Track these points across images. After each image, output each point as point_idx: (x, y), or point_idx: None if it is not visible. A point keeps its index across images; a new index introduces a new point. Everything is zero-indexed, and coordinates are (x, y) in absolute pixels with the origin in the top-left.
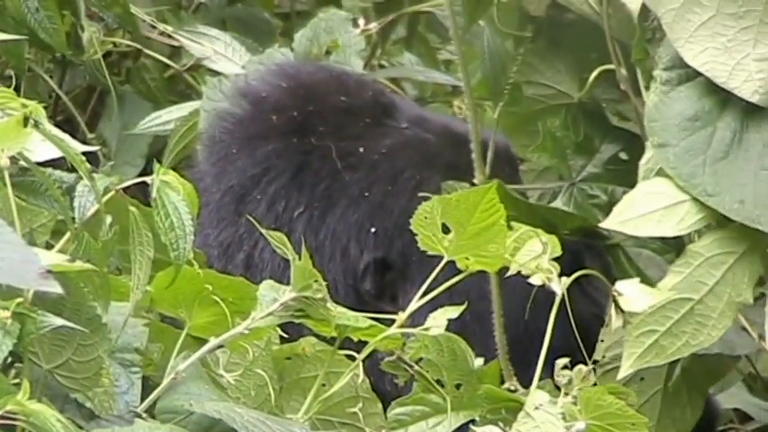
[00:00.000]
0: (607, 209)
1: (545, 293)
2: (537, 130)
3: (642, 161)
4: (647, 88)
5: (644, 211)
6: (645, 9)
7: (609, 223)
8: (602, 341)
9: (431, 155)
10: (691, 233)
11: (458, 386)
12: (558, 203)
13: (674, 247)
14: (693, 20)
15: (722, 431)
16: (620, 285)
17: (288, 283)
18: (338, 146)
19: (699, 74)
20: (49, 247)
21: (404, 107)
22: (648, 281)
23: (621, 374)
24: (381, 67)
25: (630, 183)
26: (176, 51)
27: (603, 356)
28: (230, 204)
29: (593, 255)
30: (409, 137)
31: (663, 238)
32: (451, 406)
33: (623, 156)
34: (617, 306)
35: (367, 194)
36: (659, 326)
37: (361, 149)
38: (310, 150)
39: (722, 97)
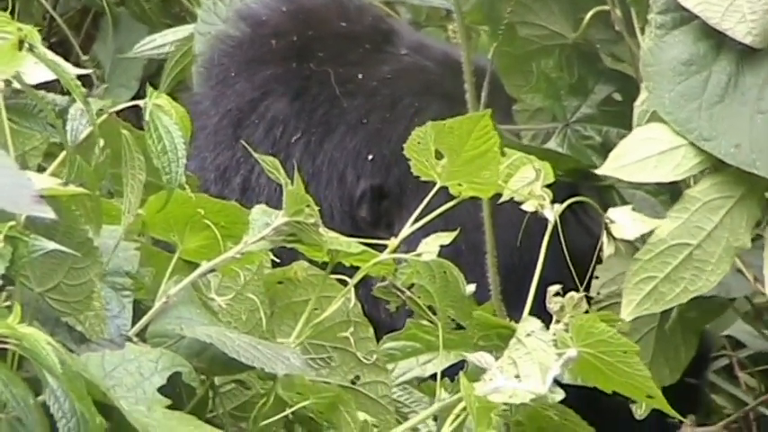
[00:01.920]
0: (601, 150)
1: (540, 225)
2: (531, 71)
3: (637, 103)
4: (642, 29)
5: (640, 156)
6: None
7: (605, 169)
8: (596, 278)
9: (430, 82)
10: (687, 178)
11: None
12: (551, 144)
13: (668, 188)
14: None
15: (715, 357)
16: (613, 213)
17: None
18: (337, 72)
19: (693, 17)
20: (41, 169)
21: (404, 33)
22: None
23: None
24: None
25: (625, 124)
26: None
27: (598, 293)
28: (228, 128)
29: (588, 187)
30: (408, 64)
31: (658, 183)
32: (443, 331)
33: (617, 97)
34: (609, 233)
35: (365, 121)
36: (658, 272)
37: (360, 76)
38: (309, 76)
39: (717, 41)
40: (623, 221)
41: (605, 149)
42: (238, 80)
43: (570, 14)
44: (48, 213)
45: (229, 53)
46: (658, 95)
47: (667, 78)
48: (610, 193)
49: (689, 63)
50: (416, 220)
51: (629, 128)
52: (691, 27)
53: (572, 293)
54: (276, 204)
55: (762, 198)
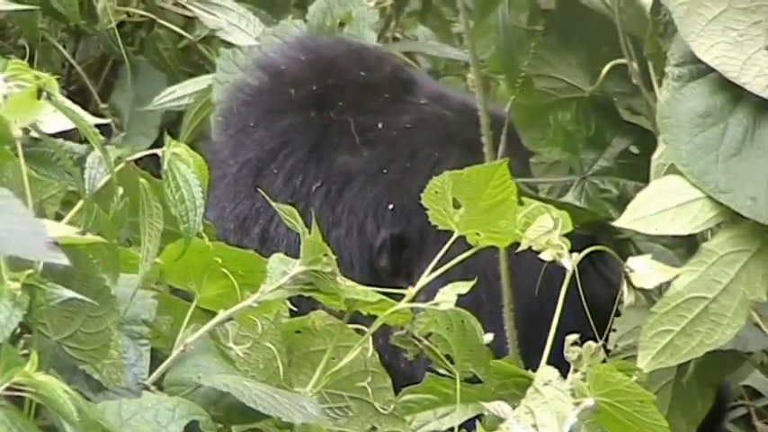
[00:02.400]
0: (618, 203)
1: (561, 275)
2: (548, 124)
3: (654, 156)
4: (659, 83)
5: (657, 208)
6: (657, 3)
7: (622, 221)
8: (614, 330)
9: (450, 132)
10: (704, 231)
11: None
12: (569, 197)
13: (685, 241)
14: (705, 14)
15: (732, 407)
16: (632, 262)
17: None
18: (357, 120)
19: (710, 70)
20: (58, 218)
21: (422, 83)
22: None
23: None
24: (395, 40)
25: (642, 177)
26: (190, 22)
27: (616, 346)
28: (247, 177)
29: (606, 239)
30: (428, 113)
31: (675, 235)
32: (460, 383)
33: (634, 150)
34: (629, 282)
35: (385, 171)
36: (674, 326)
37: (380, 125)
38: (328, 125)
39: (734, 93)
40: (643, 270)
41: (622, 202)
42: (257, 129)
43: (587, 67)
44: (62, 260)
45: (248, 102)
46: (675, 147)
47: (684, 130)
48: (627, 245)
49: (706, 115)
50: (434, 269)
51: (647, 181)
52: (708, 79)
53: (589, 343)
54: (295, 254)
55: None
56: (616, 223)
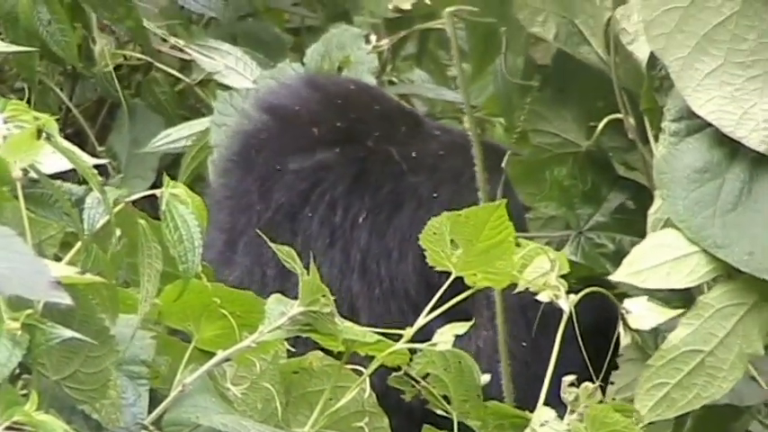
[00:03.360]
0: (615, 258)
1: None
2: (544, 179)
3: (651, 211)
4: (656, 138)
5: (653, 263)
6: (653, 58)
7: (619, 275)
8: (612, 383)
9: (486, 158)
10: (701, 284)
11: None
12: (565, 252)
13: (681, 295)
14: (701, 68)
15: None
16: (629, 303)
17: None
18: (397, 150)
19: (707, 125)
20: (57, 259)
21: (423, 117)
22: (655, 329)
23: None
24: (391, 83)
25: (638, 232)
26: (187, 65)
27: (614, 399)
28: (284, 222)
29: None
30: (449, 142)
31: (671, 289)
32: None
33: (631, 205)
34: (625, 324)
35: (435, 195)
36: (670, 378)
37: (414, 154)
38: (366, 156)
39: (731, 148)
40: (640, 312)
41: (619, 257)
42: (285, 173)
43: (583, 122)
44: (65, 300)
45: (266, 146)
46: (672, 203)
47: (681, 186)
48: (623, 301)
49: (703, 170)
50: (432, 310)
51: (643, 235)
52: (704, 134)
53: (586, 383)
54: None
55: None
56: (612, 277)
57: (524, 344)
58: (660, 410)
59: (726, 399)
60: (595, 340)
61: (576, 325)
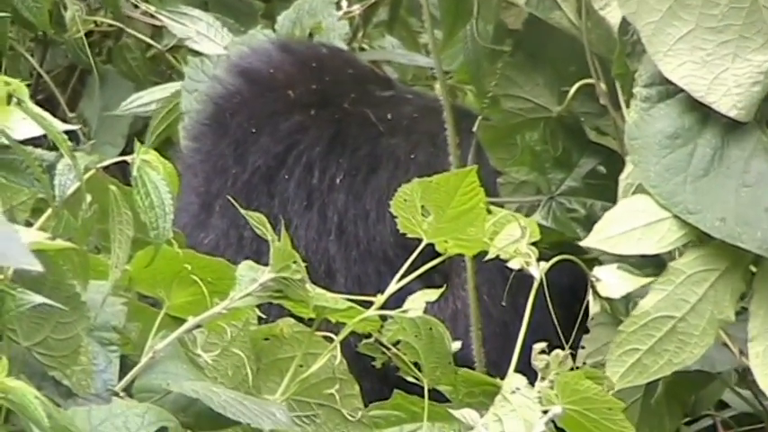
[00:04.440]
0: (586, 223)
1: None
2: (515, 144)
3: (622, 176)
4: (627, 103)
5: (625, 228)
6: (625, 23)
7: (590, 241)
8: (582, 347)
9: (458, 122)
10: (672, 250)
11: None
12: (536, 217)
13: (653, 261)
14: (673, 33)
15: (699, 418)
16: (599, 271)
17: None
18: (373, 112)
19: (678, 91)
20: (28, 225)
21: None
22: (627, 297)
23: None
24: (362, 50)
25: (609, 197)
26: (158, 31)
27: (584, 363)
28: (261, 185)
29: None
30: (422, 105)
31: (642, 255)
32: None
33: (602, 170)
34: (595, 292)
35: (413, 156)
36: (641, 344)
37: (389, 116)
38: (342, 118)
39: (702, 114)
40: (609, 280)
41: (590, 222)
42: (261, 135)
43: (554, 87)
44: (35, 266)
45: (240, 110)
46: (644, 169)
47: (653, 152)
48: (593, 266)
49: (674, 136)
50: (403, 277)
51: (614, 201)
52: (676, 100)
53: (557, 351)
54: (315, 255)
55: (746, 271)
56: (583, 243)
57: (503, 304)
58: (631, 377)
59: (697, 365)
60: (572, 303)
61: (549, 290)
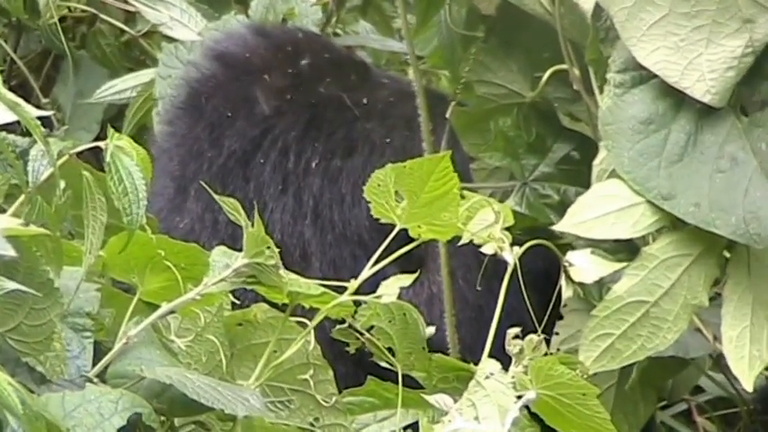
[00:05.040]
0: (559, 208)
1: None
2: (489, 130)
3: (596, 161)
4: (601, 89)
5: (598, 213)
6: (598, 9)
7: (563, 225)
8: (557, 334)
9: (432, 106)
10: (645, 235)
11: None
12: (509, 203)
13: (626, 247)
14: (646, 18)
15: (674, 402)
16: (572, 256)
17: None
18: (348, 96)
19: (652, 76)
20: (1, 211)
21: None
22: (599, 282)
23: None
24: (336, 35)
25: (583, 183)
26: (132, 17)
27: (558, 349)
28: (236, 169)
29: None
30: (398, 89)
31: (616, 240)
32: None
33: (575, 155)
34: (568, 276)
35: (388, 141)
36: (614, 329)
37: (365, 100)
38: (318, 102)
39: (676, 100)
40: (582, 265)
41: (563, 208)
42: (236, 119)
43: (528, 73)
44: (8, 251)
45: (216, 94)
46: (617, 154)
47: (626, 137)
48: (567, 251)
49: (648, 122)
50: (377, 262)
51: (588, 186)
52: (650, 86)
53: (531, 336)
54: (291, 238)
55: (720, 256)
56: (556, 227)
57: (479, 288)
58: (604, 361)
59: (671, 350)
60: (546, 288)
61: (525, 275)
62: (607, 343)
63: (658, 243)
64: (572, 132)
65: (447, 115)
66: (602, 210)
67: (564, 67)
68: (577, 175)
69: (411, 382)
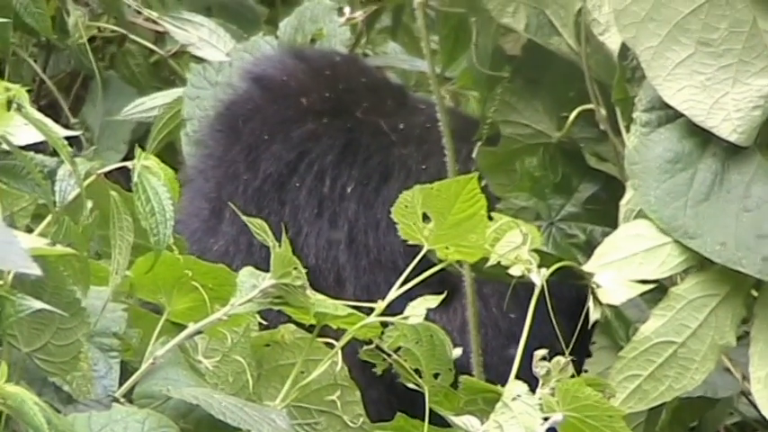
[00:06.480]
0: (586, 248)
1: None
2: (515, 170)
3: (623, 201)
4: (627, 128)
5: (625, 253)
6: (624, 48)
7: (590, 266)
8: (585, 371)
9: (464, 130)
10: (673, 275)
11: (436, 376)
12: None
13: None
14: (672, 58)
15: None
16: (599, 277)
17: None
18: (385, 121)
19: (678, 115)
20: (29, 230)
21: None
22: (627, 320)
23: None
24: (366, 56)
25: (609, 222)
26: (161, 37)
27: (586, 370)
28: (271, 192)
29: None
30: (434, 115)
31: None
32: (429, 396)
33: (602, 195)
34: (595, 298)
35: (424, 167)
36: (642, 370)
37: (401, 126)
38: (354, 127)
39: (702, 139)
40: (610, 286)
41: (590, 248)
42: (273, 142)
43: (554, 113)
44: (35, 270)
45: (253, 117)
46: (644, 193)
47: (653, 176)
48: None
49: (675, 161)
50: (404, 284)
51: (614, 226)
52: (676, 125)
53: (558, 358)
54: (325, 263)
55: (747, 296)
56: (584, 268)
57: (512, 315)
58: (632, 402)
59: (699, 390)
60: (576, 314)
61: (557, 302)
62: (635, 384)
63: (685, 284)
64: (598, 172)
65: (473, 141)
66: (629, 250)
67: (590, 106)
68: (604, 214)
69: (440, 420)
